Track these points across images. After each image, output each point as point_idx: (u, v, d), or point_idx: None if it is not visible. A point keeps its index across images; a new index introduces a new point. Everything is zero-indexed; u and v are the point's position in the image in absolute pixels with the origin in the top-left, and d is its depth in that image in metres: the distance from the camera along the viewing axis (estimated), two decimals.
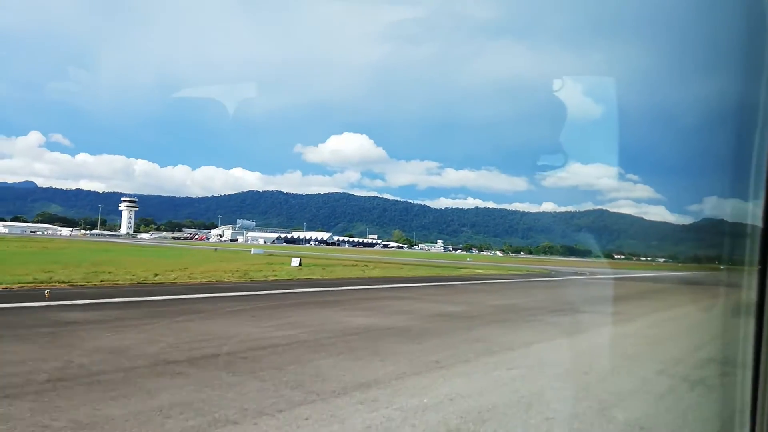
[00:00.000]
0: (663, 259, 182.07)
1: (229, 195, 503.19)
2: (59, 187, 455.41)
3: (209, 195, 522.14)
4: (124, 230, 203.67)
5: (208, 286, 23.78)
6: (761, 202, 1.71)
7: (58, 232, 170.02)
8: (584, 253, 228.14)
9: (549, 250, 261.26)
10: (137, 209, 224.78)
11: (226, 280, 27.34)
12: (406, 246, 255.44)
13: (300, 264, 45.13)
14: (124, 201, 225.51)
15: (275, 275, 32.21)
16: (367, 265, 52.50)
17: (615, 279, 51.09)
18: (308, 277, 32.38)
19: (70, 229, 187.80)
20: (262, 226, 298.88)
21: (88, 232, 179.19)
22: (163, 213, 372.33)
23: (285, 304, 17.78)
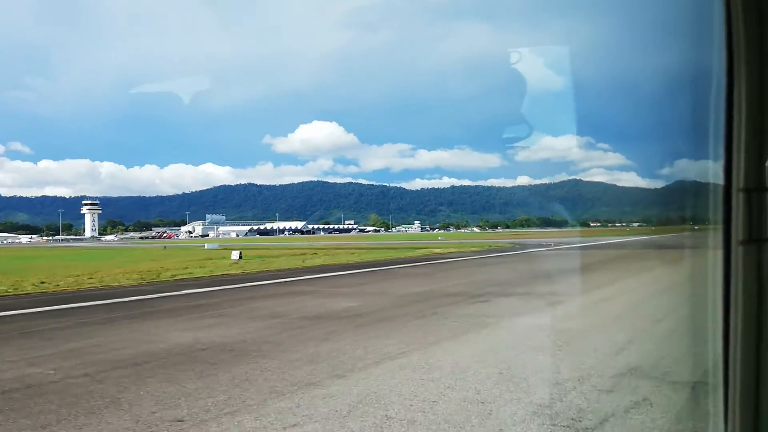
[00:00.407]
0: (637, 224, 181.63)
1: (200, 191, 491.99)
2: (24, 195, 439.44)
3: (180, 192, 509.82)
4: (88, 234, 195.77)
5: (80, 293, 19.89)
6: (721, 162, 1.71)
7: (17, 240, 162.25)
8: (560, 224, 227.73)
9: (526, 223, 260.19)
10: (100, 212, 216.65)
11: (117, 284, 23.45)
12: (383, 229, 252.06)
13: (240, 257, 41.40)
14: (86, 204, 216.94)
15: (190, 273, 28.35)
16: (316, 253, 48.79)
17: (577, 248, 48.08)
18: (227, 273, 28.55)
19: (30, 236, 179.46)
20: (237, 220, 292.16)
21: (50, 238, 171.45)
22: (133, 213, 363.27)
23: (124, 316, 13.90)
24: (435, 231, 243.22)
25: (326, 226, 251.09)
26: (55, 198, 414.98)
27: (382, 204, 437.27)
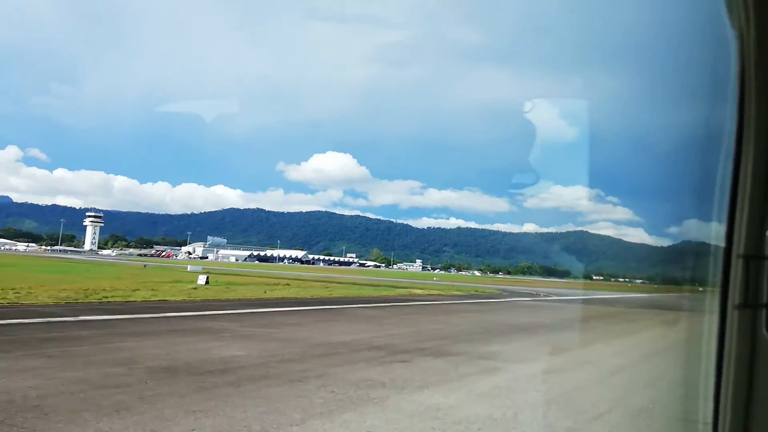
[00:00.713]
0: (640, 281, 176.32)
1: (209, 212, 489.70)
2: (35, 203, 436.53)
3: (189, 212, 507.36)
4: (87, 246, 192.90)
5: None
6: (724, 227, 1.76)
7: (14, 248, 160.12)
8: (563, 274, 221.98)
9: (528, 270, 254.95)
10: (102, 225, 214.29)
11: (33, 301, 20.79)
12: (383, 265, 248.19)
13: (207, 282, 38.58)
14: (89, 216, 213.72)
15: (128, 297, 25.43)
16: (289, 284, 45.73)
17: (567, 301, 44.61)
18: (169, 299, 25.63)
19: (28, 244, 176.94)
20: (242, 244, 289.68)
21: (48, 248, 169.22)
22: (142, 230, 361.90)
23: None
24: (436, 271, 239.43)
25: (327, 258, 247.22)
26: (65, 208, 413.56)
27: (387, 240, 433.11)
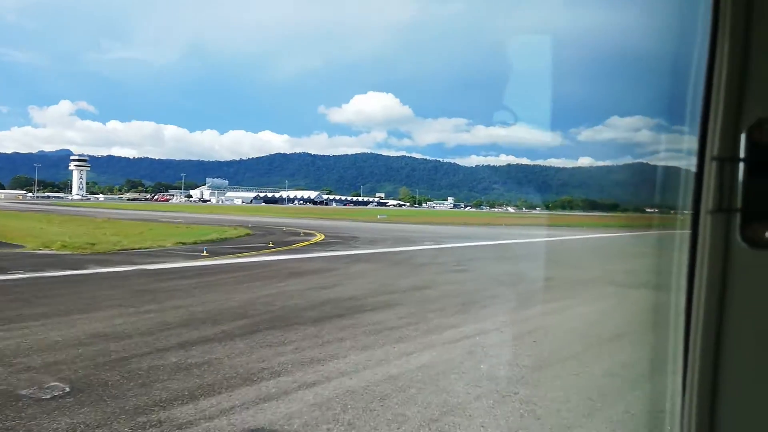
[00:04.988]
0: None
1: (257, 158, 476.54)
2: (92, 154, 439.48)
3: (237, 158, 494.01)
4: (75, 191, 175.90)
5: None
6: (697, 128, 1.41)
7: None
8: (610, 207, 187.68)
9: (569, 205, 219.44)
10: (89, 168, 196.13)
11: None
12: (408, 204, 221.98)
13: None
14: (73, 160, 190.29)
15: None
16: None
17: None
18: None
19: (5, 192, 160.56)
20: (290, 188, 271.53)
21: (33, 195, 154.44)
22: (193, 177, 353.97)
23: None
24: (467, 209, 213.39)
25: (341, 198, 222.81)
26: (120, 158, 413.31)
27: (434, 179, 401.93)
